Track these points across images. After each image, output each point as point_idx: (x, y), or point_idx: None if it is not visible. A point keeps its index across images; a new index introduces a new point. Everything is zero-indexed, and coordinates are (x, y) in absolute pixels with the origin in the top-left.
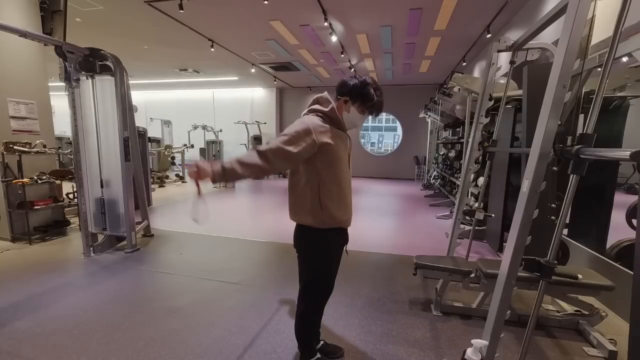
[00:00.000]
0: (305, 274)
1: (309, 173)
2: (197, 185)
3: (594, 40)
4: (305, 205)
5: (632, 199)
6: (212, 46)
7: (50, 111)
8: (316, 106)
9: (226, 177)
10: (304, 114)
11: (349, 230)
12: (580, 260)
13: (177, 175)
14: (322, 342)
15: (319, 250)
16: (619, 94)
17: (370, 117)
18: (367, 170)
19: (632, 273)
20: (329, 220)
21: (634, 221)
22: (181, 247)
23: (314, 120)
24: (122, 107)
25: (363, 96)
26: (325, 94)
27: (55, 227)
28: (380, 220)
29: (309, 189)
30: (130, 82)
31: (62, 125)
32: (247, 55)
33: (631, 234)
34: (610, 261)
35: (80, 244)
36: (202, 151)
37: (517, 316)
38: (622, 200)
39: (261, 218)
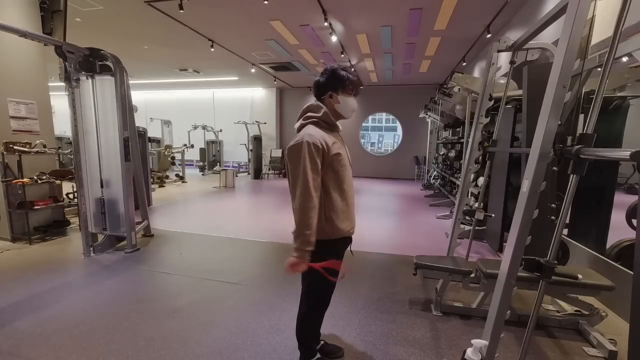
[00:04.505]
0: (307, 275)
1: None
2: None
3: (594, 40)
4: None
5: (632, 199)
6: (212, 46)
7: (50, 111)
8: (309, 114)
9: (303, 243)
10: (299, 125)
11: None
12: (580, 260)
13: (177, 175)
14: (322, 342)
15: (322, 257)
16: (619, 94)
17: (368, 114)
18: (367, 170)
19: (632, 273)
20: (334, 232)
21: (634, 221)
22: (181, 247)
23: (312, 133)
24: (122, 107)
25: (339, 82)
26: (315, 101)
27: (55, 227)
28: (380, 220)
29: None
30: (130, 82)
31: (62, 125)
32: (247, 55)
33: (631, 234)
34: (610, 261)
35: (80, 244)
36: (202, 151)
37: (517, 316)
38: (622, 200)
39: (261, 218)
